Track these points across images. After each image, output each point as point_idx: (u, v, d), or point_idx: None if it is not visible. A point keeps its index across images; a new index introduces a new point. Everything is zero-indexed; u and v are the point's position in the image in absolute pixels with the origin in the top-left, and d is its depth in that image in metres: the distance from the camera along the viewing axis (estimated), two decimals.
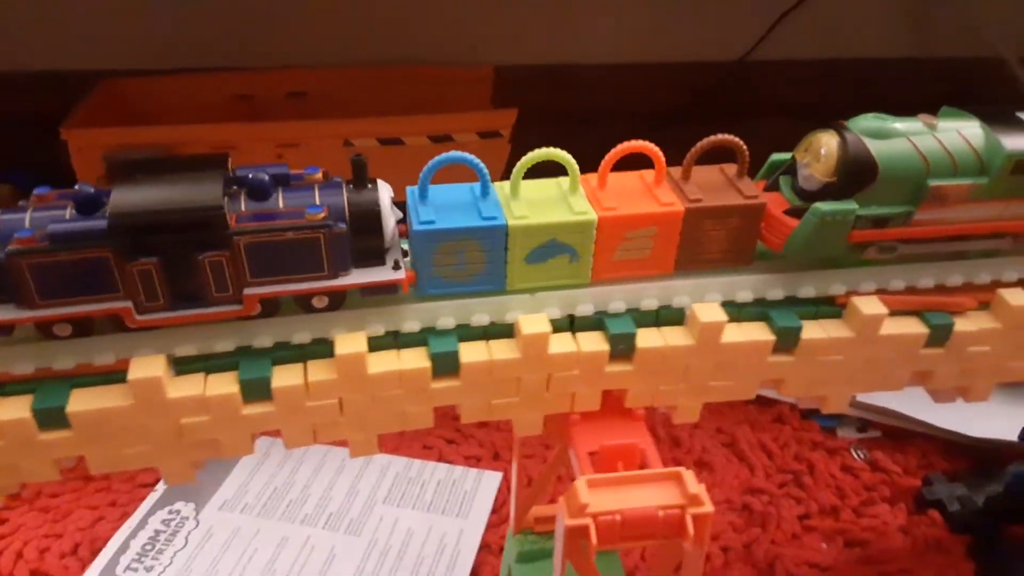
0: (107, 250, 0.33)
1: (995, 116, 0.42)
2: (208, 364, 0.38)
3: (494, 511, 0.73)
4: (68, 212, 0.34)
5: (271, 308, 0.38)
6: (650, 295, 0.41)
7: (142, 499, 0.73)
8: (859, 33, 1.16)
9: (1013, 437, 0.71)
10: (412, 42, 1.11)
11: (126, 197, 0.34)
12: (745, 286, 0.42)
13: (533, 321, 0.40)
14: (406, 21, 1.10)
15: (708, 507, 0.38)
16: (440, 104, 1.03)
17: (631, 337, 0.41)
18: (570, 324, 0.41)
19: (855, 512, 0.72)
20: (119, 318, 0.35)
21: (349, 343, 0.38)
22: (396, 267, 0.37)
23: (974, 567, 0.67)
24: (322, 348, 0.39)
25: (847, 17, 1.14)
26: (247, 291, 0.36)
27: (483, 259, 0.39)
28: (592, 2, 1.11)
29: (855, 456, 0.78)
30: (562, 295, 0.41)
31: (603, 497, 0.38)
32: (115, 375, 0.37)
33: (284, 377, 0.38)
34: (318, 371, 0.38)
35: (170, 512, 0.71)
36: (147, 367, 0.36)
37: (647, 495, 0.38)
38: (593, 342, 0.41)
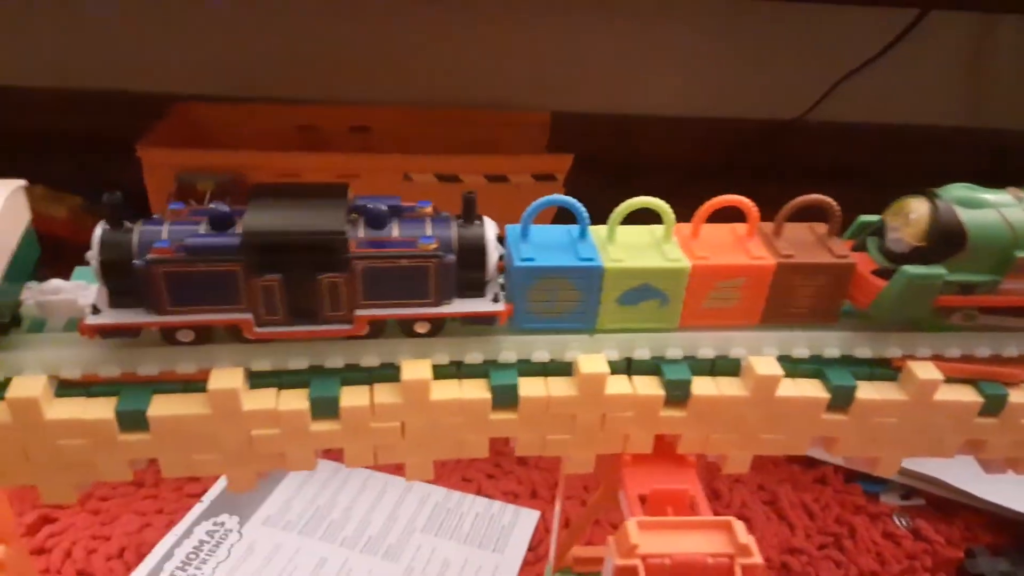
0: (237, 264, 0.36)
1: None
2: (281, 380, 0.40)
3: (530, 548, 0.73)
4: (202, 227, 0.37)
5: (377, 329, 0.40)
6: (737, 344, 0.43)
7: (188, 508, 0.74)
8: (913, 101, 1.17)
9: None
10: (473, 85, 1.15)
11: (258, 217, 0.36)
12: (831, 342, 0.43)
13: (592, 361, 0.41)
14: (468, 64, 1.13)
15: (758, 558, 0.38)
16: (496, 146, 1.06)
17: (686, 384, 0.42)
18: (627, 367, 0.43)
19: None
20: (238, 329, 0.38)
21: (415, 369, 0.40)
22: (496, 299, 0.39)
23: None
24: (389, 372, 0.41)
25: (903, 84, 1.15)
26: (358, 312, 0.38)
27: (577, 298, 0.41)
28: (652, 54, 1.13)
29: (897, 523, 0.77)
30: (651, 337, 0.42)
31: (653, 539, 0.38)
32: (194, 384, 0.39)
33: (352, 397, 0.39)
34: (384, 394, 0.40)
35: (215, 524, 0.73)
36: (226, 379, 0.38)
37: (697, 541, 0.38)
38: (649, 386, 0.42)
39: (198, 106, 1.07)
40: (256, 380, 0.40)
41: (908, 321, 0.43)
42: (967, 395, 0.43)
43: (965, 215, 0.41)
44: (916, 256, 0.41)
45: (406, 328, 0.40)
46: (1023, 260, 0.41)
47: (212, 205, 0.37)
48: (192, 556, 0.70)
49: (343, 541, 0.73)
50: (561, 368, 0.42)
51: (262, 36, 1.10)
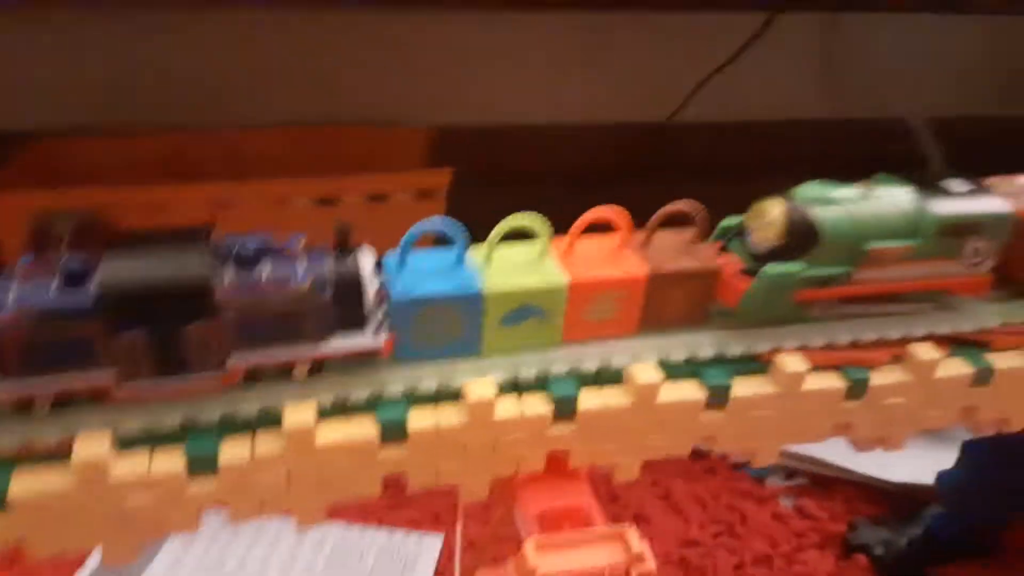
0: (94, 323, 0.34)
1: (923, 182, 0.46)
2: (154, 440, 0.38)
3: (437, 574, 0.72)
4: (54, 285, 0.34)
5: (253, 376, 0.38)
6: (621, 352, 0.44)
7: None
8: (772, 97, 1.24)
9: (929, 480, 0.75)
10: (345, 102, 1.13)
11: (114, 269, 0.34)
12: (705, 343, 0.45)
13: (480, 385, 0.41)
14: (339, 81, 1.12)
15: (650, 564, 0.39)
16: (375, 164, 1.05)
17: (573, 399, 0.42)
18: (514, 386, 0.43)
19: (787, 559, 0.75)
20: (101, 390, 0.35)
21: (297, 414, 0.38)
22: (377, 331, 0.39)
23: None
24: (270, 418, 0.39)
25: (763, 81, 1.21)
26: (231, 360, 0.36)
27: (460, 324, 0.41)
28: (524, 64, 1.15)
29: (784, 504, 0.81)
30: (537, 357, 0.43)
31: (551, 559, 0.39)
32: (58, 455, 0.36)
33: (232, 451, 0.38)
34: (265, 444, 0.38)
35: None
36: (91, 447, 0.36)
37: (593, 555, 0.39)
38: (537, 405, 0.42)
39: (49, 143, 1.01)
40: (124, 444, 0.37)
41: (773, 317, 0.46)
42: (833, 381, 0.45)
43: (817, 213, 0.43)
44: (775, 255, 0.44)
45: (285, 371, 0.39)
46: (874, 252, 0.44)
47: (65, 257, 0.35)
48: None
49: None
50: (450, 395, 0.41)
51: (118, 62, 1.04)
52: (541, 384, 0.43)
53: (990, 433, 0.52)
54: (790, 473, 0.85)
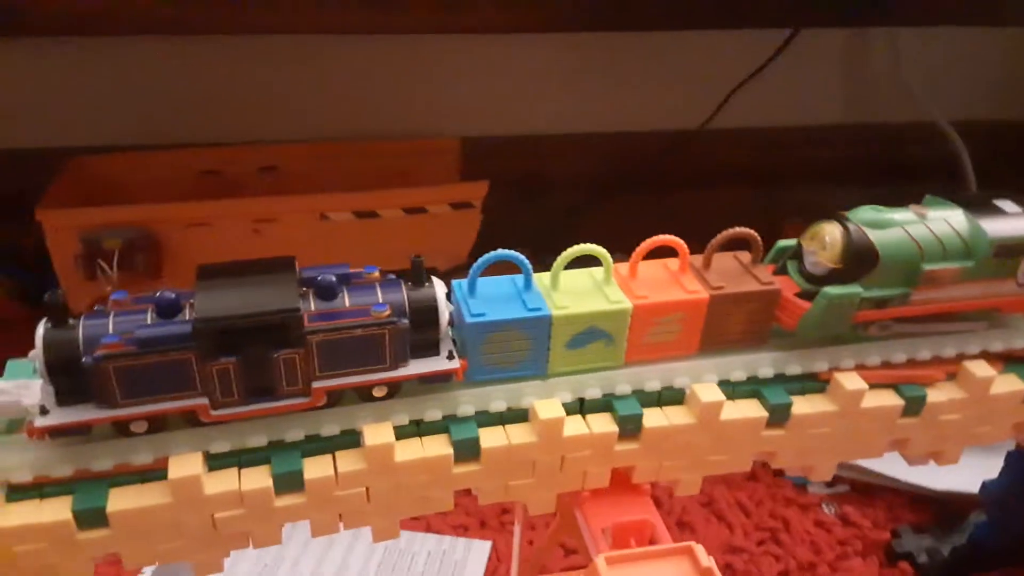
0: (190, 352, 0.36)
1: (975, 204, 0.47)
2: (240, 459, 0.39)
3: None
4: (149, 316, 0.36)
5: (335, 399, 0.40)
6: (681, 374, 0.45)
7: None
8: (797, 104, 1.24)
9: (972, 489, 0.75)
10: (378, 116, 1.15)
11: (209, 302, 0.36)
12: (765, 363, 0.46)
13: (548, 406, 0.42)
14: (371, 95, 1.13)
15: None
16: (409, 177, 1.06)
17: (638, 418, 0.43)
18: (580, 408, 0.44)
19: (831, 567, 0.76)
20: (194, 414, 0.37)
21: (377, 434, 0.40)
22: (451, 356, 0.40)
23: None
24: (349, 439, 0.41)
25: (793, 88, 1.21)
26: (315, 384, 0.38)
27: (528, 347, 0.42)
28: (555, 74, 1.16)
29: (826, 511, 0.82)
30: (601, 376, 0.44)
31: (621, 574, 0.40)
32: (151, 473, 0.38)
33: (315, 469, 0.40)
34: (347, 462, 0.40)
35: None
36: (185, 465, 0.38)
37: (663, 570, 0.40)
38: (603, 424, 0.43)
39: (94, 159, 1.03)
40: (214, 462, 0.39)
41: (831, 337, 0.47)
42: (890, 399, 0.46)
43: (875, 236, 0.44)
44: (834, 277, 0.45)
45: (363, 394, 0.40)
46: (930, 273, 0.44)
47: (158, 293, 0.37)
48: None
49: None
50: (518, 415, 0.43)
51: (156, 80, 1.07)
52: (605, 403, 0.44)
53: None
54: (832, 481, 0.85)
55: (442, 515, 0.81)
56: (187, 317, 0.36)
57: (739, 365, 0.46)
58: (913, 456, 0.50)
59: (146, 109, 1.08)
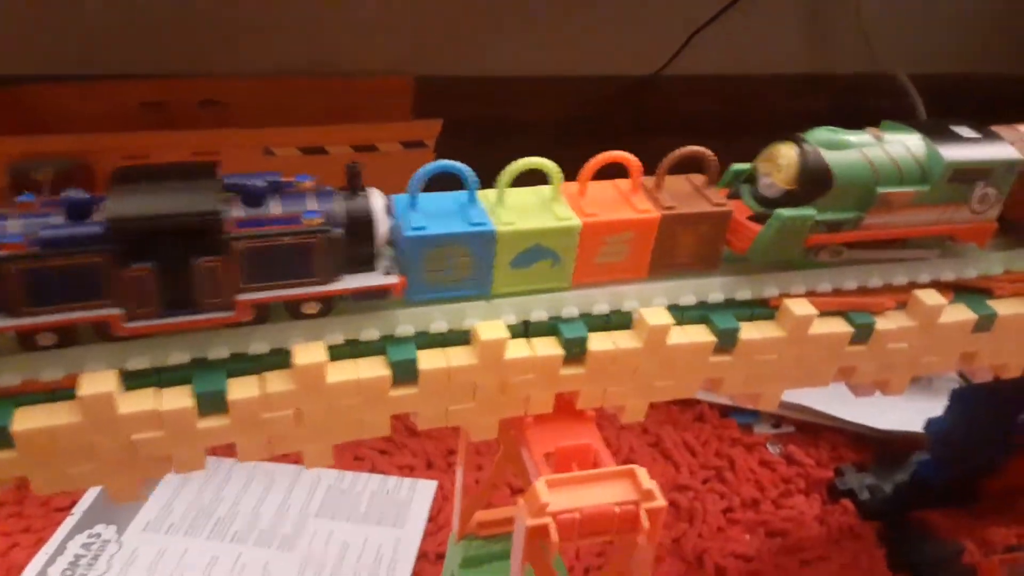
0: (101, 256, 0.33)
1: (933, 128, 0.46)
2: (160, 378, 0.37)
3: (430, 519, 0.73)
4: (57, 218, 0.33)
5: (262, 314, 0.37)
6: (630, 297, 0.43)
7: (58, 524, 0.69)
8: (760, 52, 1.23)
9: (915, 428, 0.76)
10: (329, 52, 1.10)
11: (123, 202, 0.33)
12: (716, 288, 0.44)
13: (490, 328, 0.41)
14: (323, 30, 1.09)
15: (661, 501, 0.40)
16: (359, 115, 1.02)
17: (583, 341, 0.42)
18: (524, 330, 0.42)
19: (774, 504, 0.76)
20: (107, 326, 0.34)
21: (308, 353, 0.38)
22: (388, 272, 0.38)
23: (885, 551, 0.71)
24: (277, 359, 0.39)
25: (752, 36, 1.19)
26: (240, 297, 0.36)
27: (470, 264, 0.40)
28: (513, 15, 1.13)
29: (771, 451, 0.83)
30: (547, 299, 0.42)
31: (562, 496, 0.39)
32: (63, 392, 0.35)
33: (241, 389, 0.37)
34: (275, 382, 0.38)
35: (90, 536, 0.68)
36: (98, 382, 0.35)
37: (604, 492, 0.39)
38: (548, 347, 0.42)
39: (28, 88, 0.97)
40: (131, 380, 0.37)
41: (782, 262, 0.45)
42: (838, 326, 0.46)
43: (830, 157, 0.43)
44: (787, 199, 0.43)
45: (294, 310, 0.38)
46: (884, 196, 0.43)
47: (68, 193, 0.34)
48: (68, 572, 0.65)
49: (233, 537, 0.70)
50: (460, 337, 0.41)
51: (96, 6, 1.01)
52: (551, 326, 0.42)
53: (987, 379, 0.52)
54: (777, 421, 0.86)
55: (387, 455, 0.79)
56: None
57: (689, 289, 0.44)
58: (859, 385, 0.50)
59: (85, 37, 1.02)
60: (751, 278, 0.45)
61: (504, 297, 0.42)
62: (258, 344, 0.38)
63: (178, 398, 0.36)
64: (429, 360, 0.40)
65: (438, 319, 0.41)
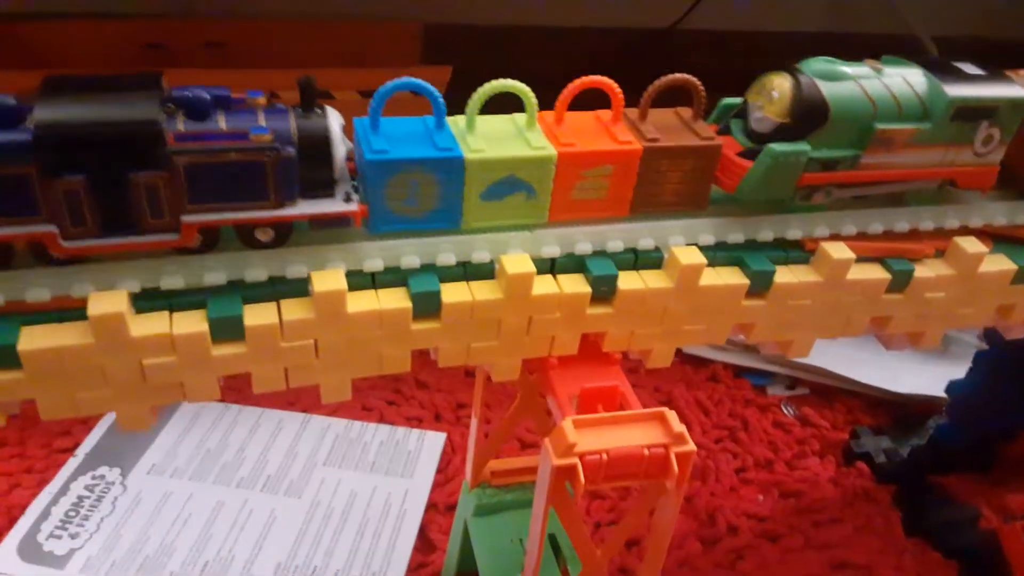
0: (30, 166, 0.30)
1: (936, 64, 0.43)
2: (172, 302, 0.35)
3: (439, 471, 0.72)
4: None
5: (211, 240, 0.35)
6: (614, 237, 0.41)
7: (61, 465, 0.68)
8: (781, 7, 1.20)
9: (933, 392, 0.75)
10: None
11: (53, 109, 0.31)
12: (705, 229, 0.42)
13: (517, 261, 0.39)
14: None
15: (691, 445, 0.38)
16: (366, 60, 1.00)
17: (613, 279, 0.40)
18: (551, 267, 0.41)
19: (788, 465, 0.75)
20: (42, 246, 0.32)
21: (327, 280, 0.36)
22: (348, 199, 0.35)
23: (900, 514, 0.70)
24: (288, 287, 0.37)
25: None
26: (185, 218, 0.33)
27: (437, 193, 0.37)
28: None
29: (785, 412, 0.81)
30: (525, 236, 0.40)
31: (589, 437, 0.37)
32: (53, 313, 0.34)
33: (258, 316, 0.35)
34: (294, 310, 0.36)
35: (93, 478, 0.67)
36: (108, 302, 0.33)
37: (632, 434, 0.38)
38: (575, 284, 0.40)
39: (25, 26, 0.95)
40: (140, 302, 0.35)
41: (772, 201, 0.43)
42: (876, 272, 0.44)
43: (827, 89, 0.40)
44: (780, 134, 0.41)
45: (246, 237, 0.36)
46: (882, 132, 0.41)
47: None
48: (72, 514, 0.64)
49: (240, 482, 0.69)
50: (475, 271, 0.39)
51: None
52: (580, 263, 0.40)
53: (1021, 336, 0.51)
54: (792, 383, 0.84)
55: (396, 406, 0.78)
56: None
57: (677, 230, 0.42)
58: (892, 337, 0.48)
59: None
60: (743, 220, 0.43)
61: (476, 233, 0.39)
62: (215, 274, 0.35)
63: (193, 323, 0.35)
64: (452, 293, 0.38)
65: (409, 253, 0.38)
